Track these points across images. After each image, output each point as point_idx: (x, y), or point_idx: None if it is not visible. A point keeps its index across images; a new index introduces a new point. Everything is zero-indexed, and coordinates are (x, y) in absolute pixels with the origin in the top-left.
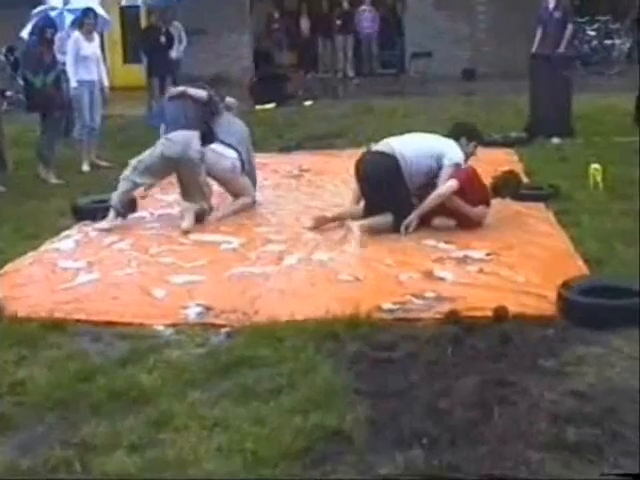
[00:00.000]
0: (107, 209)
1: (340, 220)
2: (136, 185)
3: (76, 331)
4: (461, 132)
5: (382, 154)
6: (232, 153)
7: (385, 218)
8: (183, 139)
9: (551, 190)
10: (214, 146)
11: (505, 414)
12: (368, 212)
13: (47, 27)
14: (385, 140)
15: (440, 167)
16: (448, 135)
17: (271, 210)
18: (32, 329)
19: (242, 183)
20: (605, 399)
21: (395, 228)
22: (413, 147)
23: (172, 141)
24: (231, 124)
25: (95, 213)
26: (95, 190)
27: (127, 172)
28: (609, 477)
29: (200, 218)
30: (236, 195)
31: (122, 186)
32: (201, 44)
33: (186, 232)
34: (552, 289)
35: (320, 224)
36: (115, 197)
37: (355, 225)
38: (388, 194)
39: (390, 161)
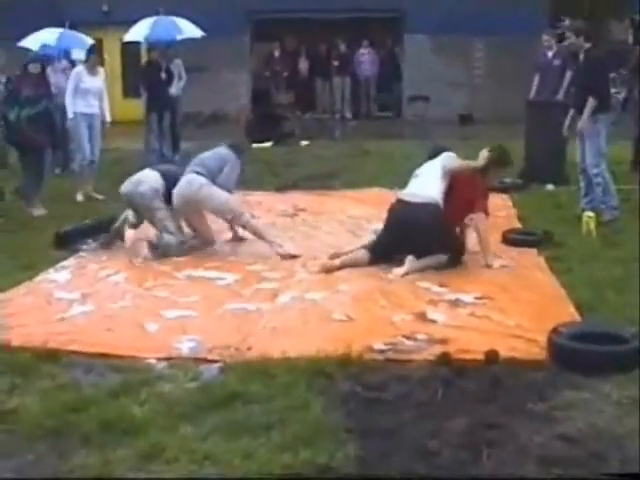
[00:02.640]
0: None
1: (346, 267)
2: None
3: (69, 362)
4: (496, 164)
5: (424, 205)
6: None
7: (437, 258)
8: (137, 177)
9: (543, 236)
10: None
11: (493, 456)
12: (378, 258)
13: (32, 62)
14: (411, 190)
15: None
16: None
17: (265, 248)
18: (25, 358)
19: (224, 199)
20: (592, 444)
21: (450, 264)
22: (432, 182)
23: (130, 180)
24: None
25: (75, 238)
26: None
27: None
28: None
29: (167, 251)
30: (230, 219)
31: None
32: (200, 81)
33: (140, 263)
34: (543, 334)
35: (327, 271)
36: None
37: (409, 262)
38: (441, 239)
39: (432, 209)
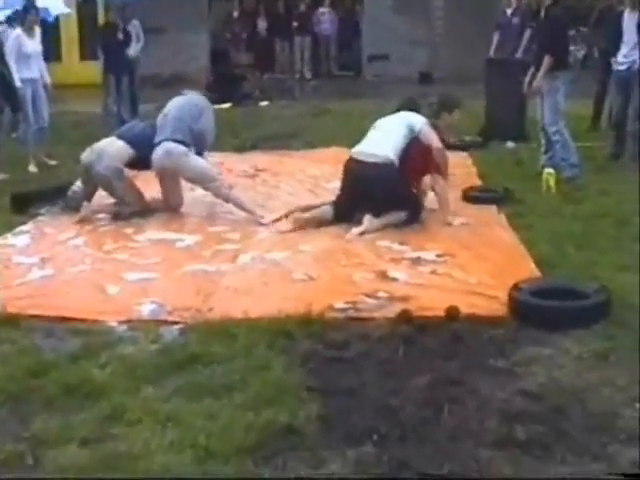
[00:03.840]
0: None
1: (315, 222)
2: (75, 192)
3: (29, 326)
4: (441, 108)
5: (378, 165)
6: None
7: (396, 216)
8: (100, 148)
9: (503, 193)
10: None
11: (455, 412)
12: (340, 215)
13: None
14: (366, 148)
15: (413, 133)
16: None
17: (226, 209)
18: None
19: (201, 170)
20: (553, 399)
21: (409, 221)
22: (390, 139)
23: (92, 149)
24: (165, 119)
25: (31, 202)
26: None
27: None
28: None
29: (117, 217)
30: (207, 188)
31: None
32: (158, 43)
33: (79, 222)
34: (503, 290)
35: (300, 227)
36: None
37: (367, 220)
38: (397, 198)
39: (387, 169)
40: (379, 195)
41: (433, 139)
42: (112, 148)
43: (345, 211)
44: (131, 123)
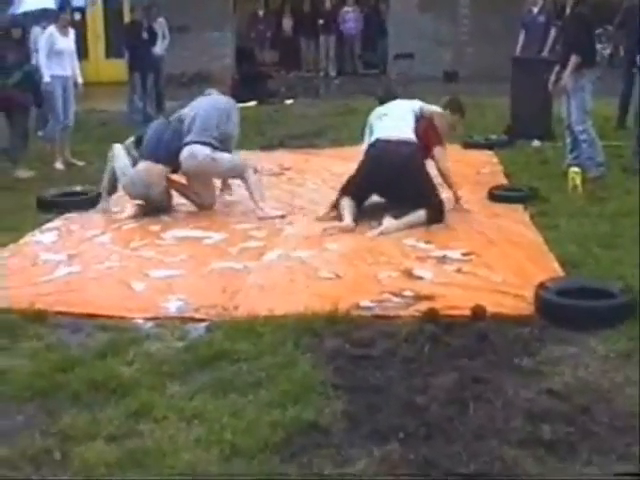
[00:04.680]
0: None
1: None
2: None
3: (56, 322)
4: (450, 104)
5: (407, 143)
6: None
7: (417, 216)
8: (143, 183)
9: (529, 192)
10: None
11: (481, 411)
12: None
13: (14, 27)
14: (391, 132)
15: (417, 115)
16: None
17: (252, 207)
18: (13, 320)
19: (229, 163)
20: (579, 398)
21: (430, 220)
22: (407, 124)
23: (134, 182)
24: (193, 121)
25: (59, 205)
26: (74, 184)
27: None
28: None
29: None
30: (236, 176)
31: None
32: (184, 41)
33: (127, 218)
34: (529, 289)
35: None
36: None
37: (387, 221)
38: (422, 181)
39: (416, 148)
40: (406, 172)
41: (433, 108)
42: (155, 174)
43: (359, 193)
44: (154, 128)
